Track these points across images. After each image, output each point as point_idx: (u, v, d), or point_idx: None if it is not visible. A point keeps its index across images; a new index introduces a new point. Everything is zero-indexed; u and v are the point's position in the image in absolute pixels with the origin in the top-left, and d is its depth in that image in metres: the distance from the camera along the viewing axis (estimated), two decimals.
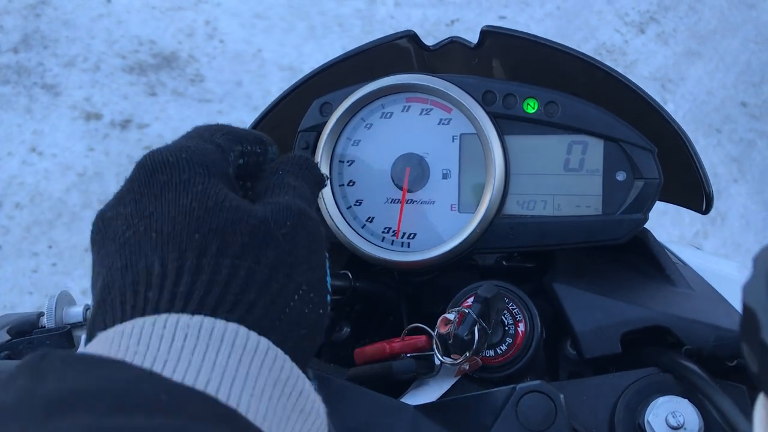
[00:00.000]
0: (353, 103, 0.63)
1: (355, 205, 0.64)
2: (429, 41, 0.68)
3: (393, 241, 0.63)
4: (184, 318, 0.32)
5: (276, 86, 2.64)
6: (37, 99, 2.42)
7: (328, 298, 0.40)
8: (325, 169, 0.63)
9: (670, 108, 2.80)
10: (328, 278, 0.41)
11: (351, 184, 0.64)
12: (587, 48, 2.89)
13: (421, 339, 0.57)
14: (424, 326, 0.57)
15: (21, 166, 2.24)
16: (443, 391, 0.57)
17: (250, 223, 0.37)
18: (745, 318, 0.25)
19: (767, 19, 3.05)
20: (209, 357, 0.31)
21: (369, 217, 0.64)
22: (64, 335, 0.54)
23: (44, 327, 0.55)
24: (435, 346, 0.55)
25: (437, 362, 0.56)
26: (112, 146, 2.36)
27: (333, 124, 0.63)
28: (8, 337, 0.55)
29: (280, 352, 0.34)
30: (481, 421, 0.49)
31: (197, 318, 0.32)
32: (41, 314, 0.56)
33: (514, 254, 0.68)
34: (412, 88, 0.62)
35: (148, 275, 0.34)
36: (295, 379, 0.34)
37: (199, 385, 0.30)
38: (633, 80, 0.61)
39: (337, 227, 0.63)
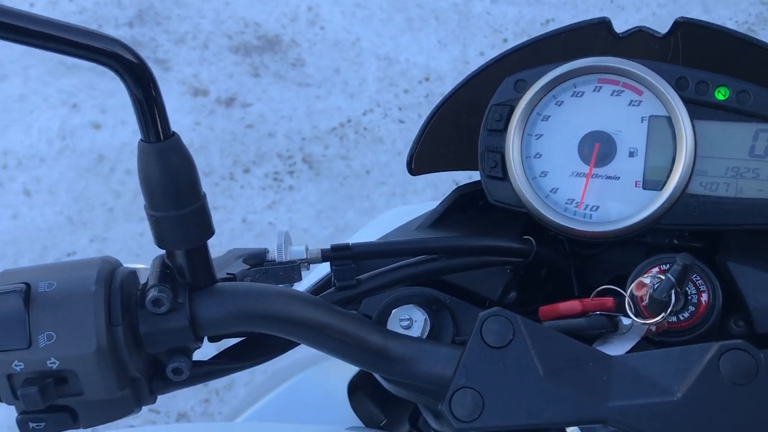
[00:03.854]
0: (549, 82, 0.68)
1: (540, 176, 0.69)
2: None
3: (575, 212, 0.68)
4: None
5: (372, 75, 2.71)
6: None
7: None
8: (517, 141, 0.68)
9: None
10: None
11: (537, 156, 0.69)
12: None
13: (609, 300, 0.62)
14: (616, 288, 0.62)
15: (132, 135, 2.36)
16: (626, 350, 0.61)
17: None
18: None
19: None
20: None
21: (553, 188, 0.69)
22: (294, 268, 0.61)
23: (273, 260, 0.62)
24: (628, 306, 0.60)
25: (626, 322, 0.60)
26: (217, 122, 2.46)
27: (528, 100, 0.68)
28: (245, 266, 0.61)
29: None
30: (679, 374, 0.53)
31: None
32: (266, 250, 0.63)
33: (685, 233, 0.72)
34: (607, 70, 0.67)
35: None
36: None
37: None
38: None
39: (525, 195, 0.68)
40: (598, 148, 0.67)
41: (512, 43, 0.70)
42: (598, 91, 0.68)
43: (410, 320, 0.66)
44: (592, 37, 0.72)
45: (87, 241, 2.13)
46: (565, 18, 3.06)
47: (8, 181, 2.23)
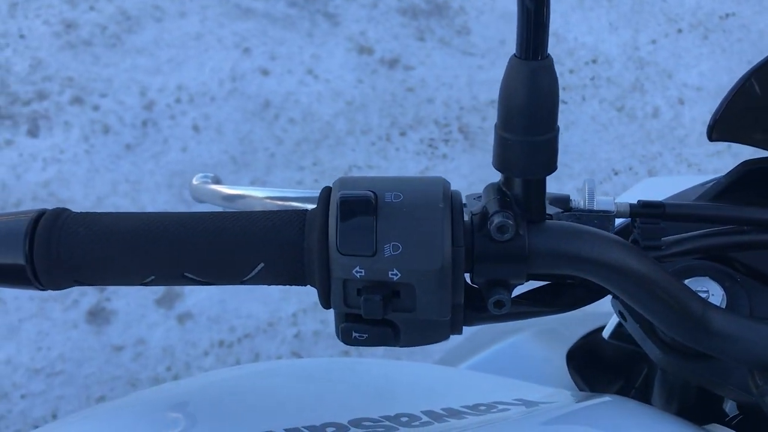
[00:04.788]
0: None
1: None
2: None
3: None
4: None
5: None
6: (318, 25, 2.56)
7: None
8: None
9: None
10: None
11: None
12: None
13: None
14: None
15: (298, 86, 2.39)
16: None
17: None
18: None
19: None
20: None
21: None
22: (609, 219, 0.57)
23: (579, 207, 0.58)
24: None
25: None
26: (379, 82, 2.46)
27: None
28: (555, 209, 0.59)
29: None
30: None
31: None
32: (568, 196, 0.60)
33: None
34: None
35: None
36: None
37: None
38: None
39: None
40: None
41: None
42: None
43: (707, 293, 0.61)
44: None
45: (248, 182, 2.18)
46: (747, 14, 2.87)
47: (180, 115, 2.30)
